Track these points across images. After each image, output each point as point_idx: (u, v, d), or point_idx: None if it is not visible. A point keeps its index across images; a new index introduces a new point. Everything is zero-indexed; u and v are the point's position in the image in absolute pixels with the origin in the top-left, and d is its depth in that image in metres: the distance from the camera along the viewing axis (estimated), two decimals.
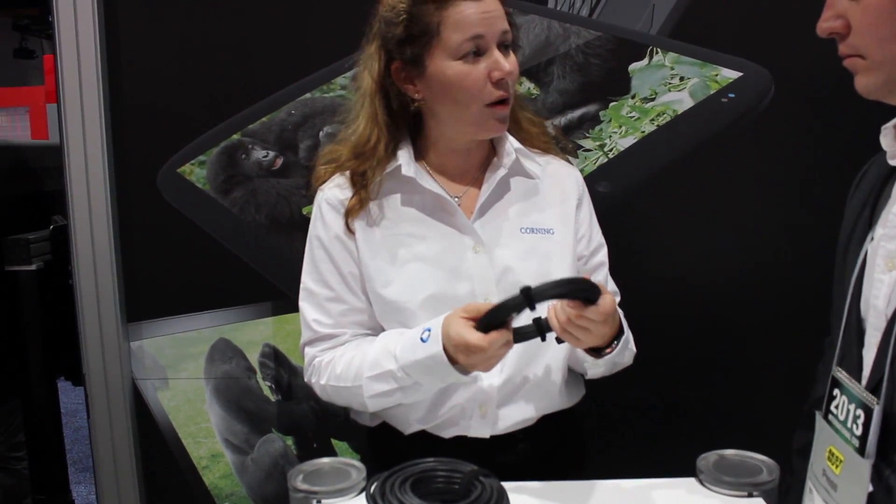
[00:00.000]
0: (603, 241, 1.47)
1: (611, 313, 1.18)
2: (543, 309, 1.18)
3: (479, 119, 1.30)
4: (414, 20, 1.28)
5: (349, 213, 1.36)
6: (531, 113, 1.47)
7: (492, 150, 1.41)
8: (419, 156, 1.39)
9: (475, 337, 1.16)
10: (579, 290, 1.16)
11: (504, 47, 1.28)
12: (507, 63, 1.27)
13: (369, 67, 1.35)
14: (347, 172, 1.38)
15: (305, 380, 1.43)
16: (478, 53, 1.26)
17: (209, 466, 2.12)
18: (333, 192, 1.39)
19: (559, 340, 1.21)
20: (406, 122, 1.38)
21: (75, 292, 2.04)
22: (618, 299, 1.47)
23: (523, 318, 1.22)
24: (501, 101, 1.29)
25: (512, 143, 1.38)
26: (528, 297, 1.12)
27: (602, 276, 1.45)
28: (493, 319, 1.16)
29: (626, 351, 1.33)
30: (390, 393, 1.29)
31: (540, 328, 1.20)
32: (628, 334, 1.34)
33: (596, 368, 1.34)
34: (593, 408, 1.49)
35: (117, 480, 2.10)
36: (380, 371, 1.29)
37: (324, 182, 1.42)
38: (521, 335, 1.21)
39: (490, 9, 1.26)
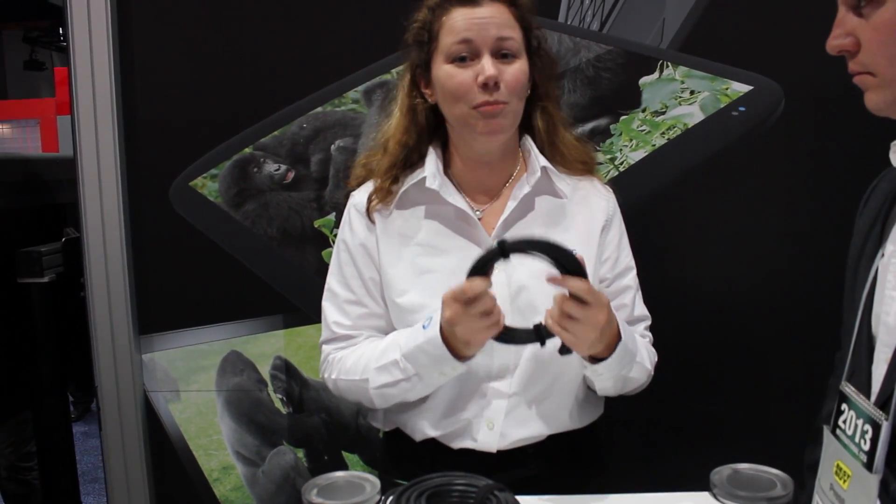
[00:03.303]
0: (632, 264, 1.45)
1: (601, 301, 1.19)
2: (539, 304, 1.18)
3: (467, 120, 1.32)
4: (425, 27, 1.34)
5: (371, 199, 1.40)
6: (570, 135, 1.46)
7: (523, 166, 1.42)
8: (446, 166, 1.41)
9: (457, 287, 1.19)
10: (555, 251, 1.17)
11: (503, 55, 1.30)
12: (492, 68, 1.28)
13: (404, 69, 1.41)
14: (378, 180, 1.42)
15: (320, 375, 1.48)
16: (469, 58, 1.30)
17: (220, 479, 2.13)
18: (362, 199, 1.43)
19: (562, 352, 1.22)
20: (430, 127, 1.40)
21: (88, 304, 2.06)
22: (648, 323, 1.47)
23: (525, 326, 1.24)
24: (487, 104, 1.30)
25: (539, 161, 1.38)
26: (502, 246, 1.15)
27: (628, 300, 1.43)
28: (475, 272, 1.19)
29: (633, 365, 1.32)
30: (394, 384, 1.32)
31: (539, 333, 1.21)
32: (640, 350, 1.34)
33: (602, 381, 1.34)
34: (606, 420, 1.49)
35: (128, 492, 2.11)
36: (385, 361, 1.32)
37: (356, 186, 1.46)
38: (518, 337, 1.23)
39: (483, 15, 1.29)
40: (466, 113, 1.31)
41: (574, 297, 1.18)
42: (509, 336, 1.23)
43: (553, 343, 1.22)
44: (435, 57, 1.33)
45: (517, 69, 1.31)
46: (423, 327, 1.28)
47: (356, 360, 1.38)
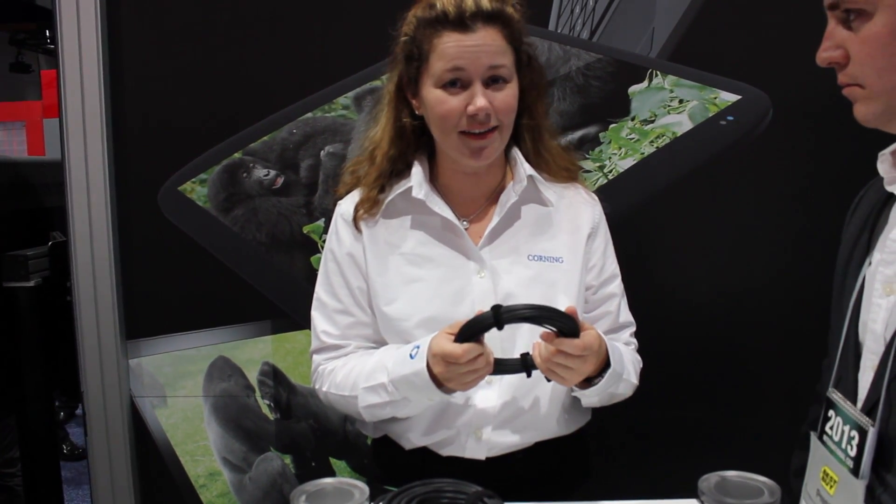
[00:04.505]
0: (617, 272, 1.46)
1: (592, 349, 1.19)
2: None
3: (457, 146, 1.32)
4: (414, 42, 1.31)
5: (358, 208, 1.40)
6: (555, 143, 1.46)
7: (509, 175, 1.42)
8: (433, 176, 1.41)
9: (450, 346, 1.19)
10: (550, 318, 1.17)
11: (494, 81, 1.28)
12: (482, 99, 1.26)
13: (391, 77, 1.39)
14: (365, 188, 1.41)
15: (311, 385, 1.48)
16: (459, 84, 1.28)
17: (207, 485, 2.11)
18: (349, 208, 1.43)
19: (548, 379, 1.23)
20: (418, 137, 1.39)
21: (74, 309, 2.04)
22: (633, 329, 1.48)
23: (515, 354, 1.26)
24: (478, 133, 1.29)
25: (525, 170, 1.38)
26: (497, 315, 1.15)
27: (613, 307, 1.44)
28: (466, 334, 1.19)
29: (620, 383, 1.33)
30: (382, 406, 1.33)
31: (525, 364, 1.22)
32: (626, 367, 1.34)
33: (588, 398, 1.35)
34: (595, 428, 1.50)
35: (114, 498, 2.09)
36: (373, 383, 1.32)
37: (342, 196, 1.46)
38: (505, 368, 1.24)
39: (476, 43, 1.26)
40: (455, 138, 1.31)
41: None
42: (497, 367, 1.23)
43: (539, 372, 1.23)
44: (424, 77, 1.31)
45: (508, 94, 1.30)
46: (411, 356, 1.27)
47: (346, 375, 1.38)
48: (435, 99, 1.29)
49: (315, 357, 1.45)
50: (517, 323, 1.17)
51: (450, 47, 1.27)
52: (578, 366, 1.19)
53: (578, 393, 1.33)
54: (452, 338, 1.20)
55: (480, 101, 1.26)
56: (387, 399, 1.31)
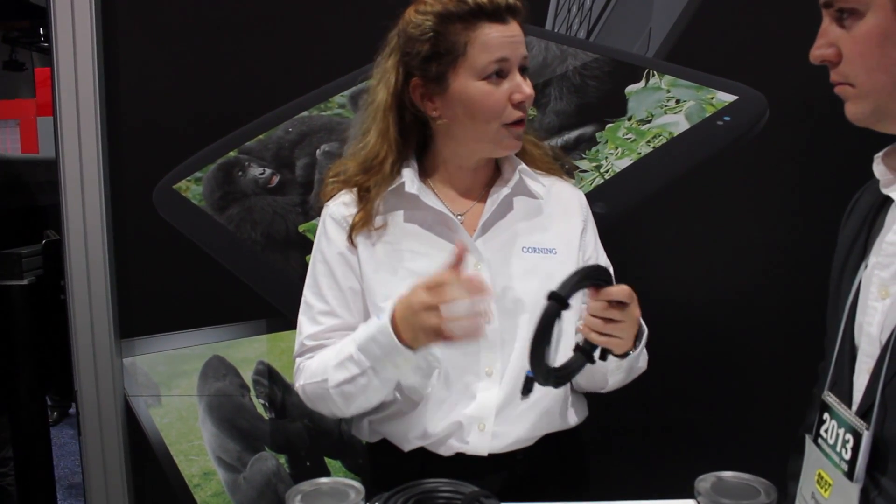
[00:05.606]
0: (608, 262, 1.48)
1: (633, 297, 1.21)
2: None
3: (496, 137, 1.33)
4: (441, 38, 1.31)
5: (353, 229, 1.39)
6: (533, 135, 1.50)
7: (497, 169, 1.44)
8: (424, 174, 1.41)
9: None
10: (596, 273, 1.19)
11: (522, 71, 1.33)
12: (529, 86, 1.32)
13: (386, 82, 1.37)
14: (354, 190, 1.41)
15: (293, 385, 1.46)
16: (500, 75, 1.30)
17: (201, 484, 2.11)
18: (338, 209, 1.42)
19: (603, 357, 1.24)
20: (415, 140, 1.40)
21: (68, 308, 2.03)
22: None
23: (515, 345, 1.26)
24: (519, 121, 1.33)
25: (515, 163, 1.40)
26: (557, 298, 1.13)
27: None
28: (541, 335, 1.13)
29: (642, 355, 1.36)
30: (350, 380, 1.30)
31: (584, 351, 1.22)
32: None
33: (618, 374, 1.36)
34: (592, 428, 1.50)
35: (107, 498, 2.09)
36: (342, 357, 1.30)
37: (330, 198, 1.44)
38: (573, 368, 1.22)
39: (514, 33, 1.31)
40: (496, 129, 1.32)
41: (612, 303, 1.19)
42: (564, 373, 1.22)
43: (597, 353, 1.24)
44: (458, 71, 1.31)
45: (530, 83, 1.34)
46: (377, 318, 1.27)
47: (319, 362, 1.36)
48: (481, 91, 1.30)
49: (297, 360, 1.43)
50: (576, 291, 1.15)
51: (495, 38, 1.29)
52: (628, 317, 1.20)
53: (616, 367, 1.32)
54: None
55: (529, 89, 1.32)
56: (356, 371, 1.28)
